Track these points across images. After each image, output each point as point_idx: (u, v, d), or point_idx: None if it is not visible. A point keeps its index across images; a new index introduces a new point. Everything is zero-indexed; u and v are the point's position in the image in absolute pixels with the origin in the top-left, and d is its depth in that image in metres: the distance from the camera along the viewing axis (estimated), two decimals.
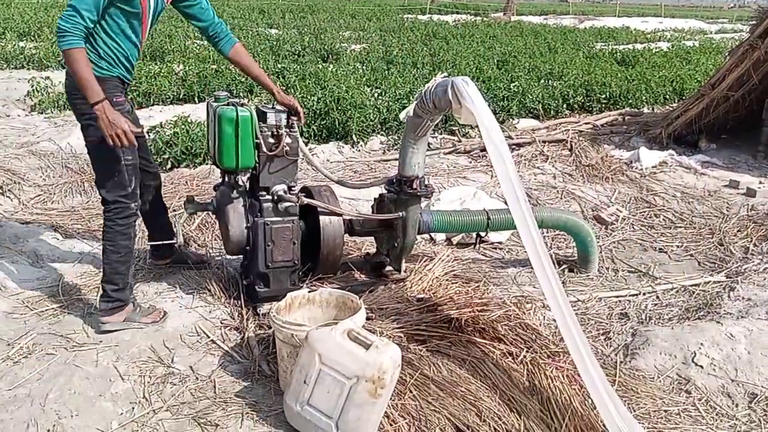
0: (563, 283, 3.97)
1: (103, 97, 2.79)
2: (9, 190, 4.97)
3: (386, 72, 9.69)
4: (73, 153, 5.93)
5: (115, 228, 3.14)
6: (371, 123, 7.13)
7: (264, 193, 3.30)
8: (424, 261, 3.89)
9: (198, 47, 11.39)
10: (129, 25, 2.99)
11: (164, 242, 3.71)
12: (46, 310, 3.39)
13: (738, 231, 5.09)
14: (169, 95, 8.27)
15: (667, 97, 9.85)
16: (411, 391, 2.73)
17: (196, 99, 8.46)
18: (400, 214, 3.54)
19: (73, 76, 2.81)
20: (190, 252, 4.06)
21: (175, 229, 3.55)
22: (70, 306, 3.44)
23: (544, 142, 7.11)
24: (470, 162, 6.64)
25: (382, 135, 7.21)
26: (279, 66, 9.67)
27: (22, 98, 8.15)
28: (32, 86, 8.13)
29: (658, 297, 4.02)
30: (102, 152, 3.02)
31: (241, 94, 8.11)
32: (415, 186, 3.46)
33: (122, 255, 3.17)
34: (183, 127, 6.21)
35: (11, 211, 4.68)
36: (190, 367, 2.97)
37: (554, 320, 3.38)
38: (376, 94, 8.01)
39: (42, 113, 7.68)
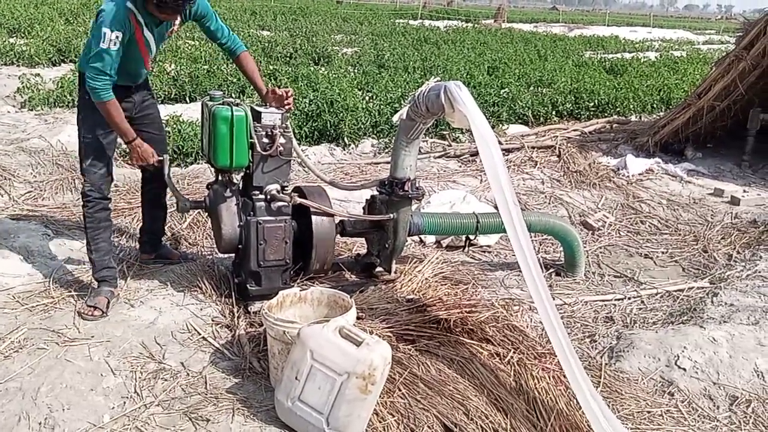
0: (550, 286, 4.03)
1: (134, 137, 3.27)
2: None
3: (377, 76, 9.74)
4: (64, 150, 5.91)
5: None
6: (363, 126, 7.17)
7: (257, 192, 3.33)
8: (414, 263, 3.93)
9: (189, 47, 11.36)
10: (132, 55, 3.26)
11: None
12: (37, 305, 3.40)
13: (722, 238, 5.19)
14: (160, 95, 8.25)
15: (655, 105, 9.97)
16: (400, 390, 2.77)
17: (187, 99, 8.47)
18: (391, 215, 3.58)
19: (108, 122, 3.22)
20: (173, 250, 4.12)
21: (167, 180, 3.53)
22: (61, 301, 3.45)
23: (533, 147, 7.18)
24: (460, 166, 6.69)
25: (373, 138, 7.26)
26: (271, 68, 9.69)
27: (12, 95, 8.11)
28: (22, 83, 8.09)
29: (642, 301, 4.09)
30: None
31: (233, 94, 8.13)
32: (406, 188, 3.50)
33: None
34: (174, 126, 6.22)
35: (2, 207, 4.67)
36: (182, 364, 2.99)
37: (541, 322, 3.44)
38: (367, 98, 8.06)
39: (32, 110, 7.64)
